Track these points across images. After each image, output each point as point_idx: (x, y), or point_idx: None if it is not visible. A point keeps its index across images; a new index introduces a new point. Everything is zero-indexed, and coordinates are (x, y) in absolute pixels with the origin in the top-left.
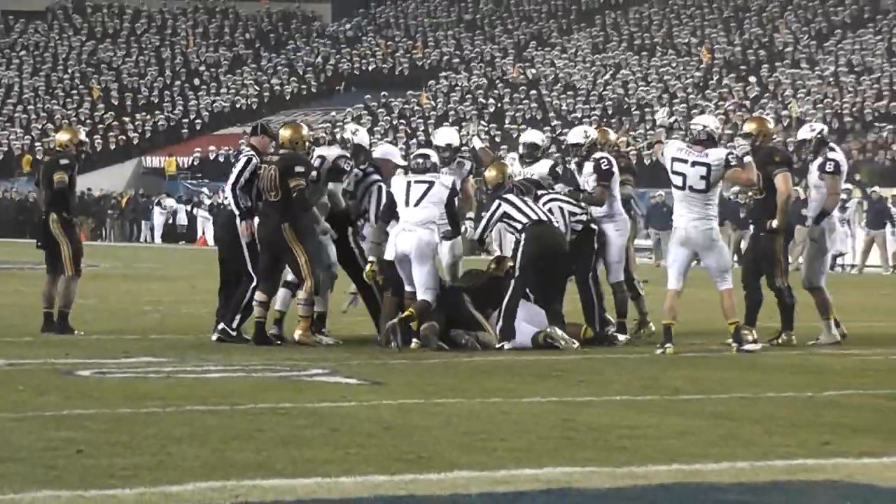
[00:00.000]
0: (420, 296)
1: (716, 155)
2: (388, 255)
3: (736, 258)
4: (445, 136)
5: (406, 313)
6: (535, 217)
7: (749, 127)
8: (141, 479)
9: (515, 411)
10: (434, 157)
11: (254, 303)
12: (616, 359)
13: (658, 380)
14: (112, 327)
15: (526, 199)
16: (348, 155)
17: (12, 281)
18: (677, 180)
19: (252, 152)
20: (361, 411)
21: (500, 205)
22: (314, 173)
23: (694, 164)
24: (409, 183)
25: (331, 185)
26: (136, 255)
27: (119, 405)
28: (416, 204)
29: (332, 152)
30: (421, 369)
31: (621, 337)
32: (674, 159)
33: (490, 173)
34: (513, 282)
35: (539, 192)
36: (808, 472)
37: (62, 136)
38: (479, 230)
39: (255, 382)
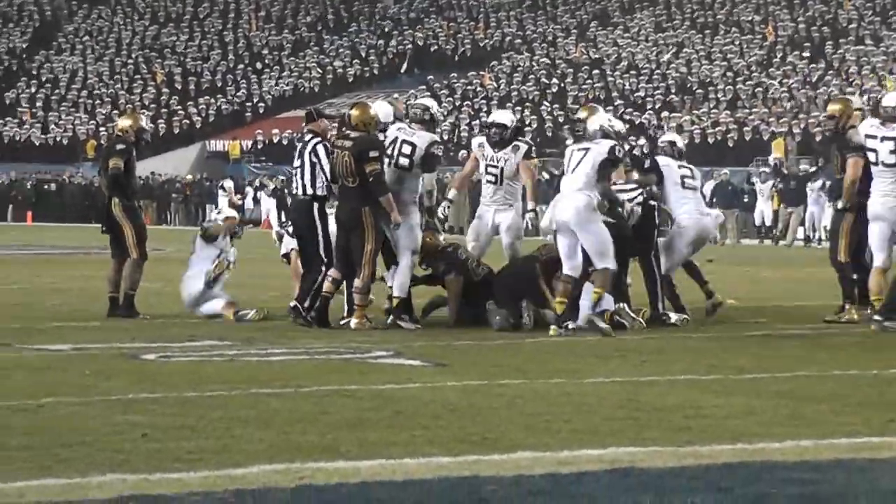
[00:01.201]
0: (597, 264)
1: None
2: (544, 223)
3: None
4: (502, 116)
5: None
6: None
7: (833, 108)
8: (206, 462)
9: (579, 392)
10: (593, 125)
11: (326, 280)
12: (680, 338)
13: (722, 359)
14: (177, 311)
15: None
16: (439, 140)
17: (79, 266)
18: (871, 156)
19: (319, 139)
20: (425, 393)
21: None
22: (406, 161)
23: (884, 139)
24: (571, 150)
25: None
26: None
27: (184, 389)
28: (573, 171)
29: (421, 138)
30: (484, 350)
31: (674, 317)
32: (867, 136)
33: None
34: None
35: None
36: (873, 450)
37: (123, 122)
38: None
39: (318, 365)
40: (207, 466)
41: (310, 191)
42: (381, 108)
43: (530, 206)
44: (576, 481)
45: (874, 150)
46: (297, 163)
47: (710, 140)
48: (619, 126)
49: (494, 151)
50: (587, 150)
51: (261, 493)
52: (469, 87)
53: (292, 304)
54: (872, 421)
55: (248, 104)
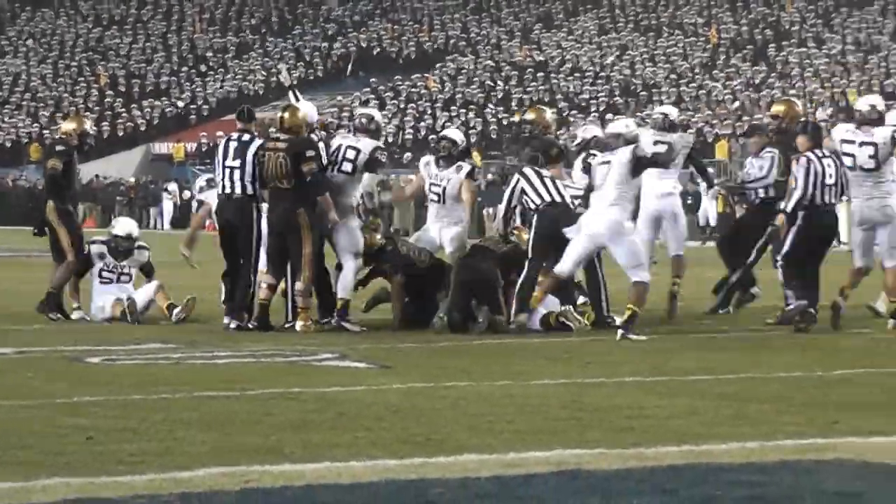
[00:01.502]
0: (633, 277)
1: (881, 133)
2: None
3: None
4: (453, 133)
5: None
6: (548, 198)
7: (777, 109)
8: (150, 464)
9: (523, 394)
10: (612, 132)
11: (260, 286)
12: (625, 341)
13: (667, 361)
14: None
15: (544, 176)
16: (383, 146)
17: (21, 268)
18: (848, 161)
19: (262, 139)
20: (370, 395)
21: (518, 180)
22: (349, 166)
23: (862, 144)
24: (596, 165)
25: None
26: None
27: (128, 391)
28: (601, 185)
29: (366, 144)
30: (429, 353)
31: (619, 319)
32: (842, 141)
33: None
34: (527, 263)
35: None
36: (818, 451)
37: (67, 125)
38: (503, 207)
39: (263, 367)
40: (152, 469)
41: (250, 190)
42: (307, 108)
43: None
44: (523, 483)
45: (851, 155)
46: (232, 162)
47: None
48: (633, 126)
49: (439, 170)
50: (609, 162)
51: (206, 496)
52: (413, 90)
53: (233, 325)
54: (817, 421)
55: (193, 107)
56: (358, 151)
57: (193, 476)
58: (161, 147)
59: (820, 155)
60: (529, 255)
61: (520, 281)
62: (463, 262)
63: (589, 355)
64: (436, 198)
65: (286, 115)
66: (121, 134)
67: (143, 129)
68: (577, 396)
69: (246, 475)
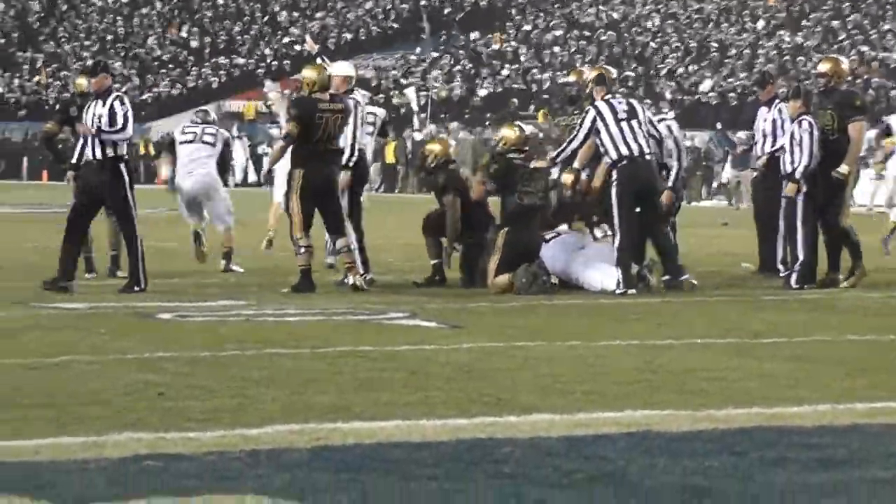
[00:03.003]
0: None
1: None
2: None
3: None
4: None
5: None
6: (626, 152)
7: (824, 67)
8: (220, 421)
9: (594, 354)
10: None
11: (299, 252)
12: (697, 302)
13: (739, 323)
14: (192, 270)
15: (622, 120)
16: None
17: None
18: None
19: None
20: (440, 354)
21: (594, 119)
22: (370, 129)
23: None
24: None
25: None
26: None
27: (199, 348)
28: None
29: (380, 111)
30: (500, 313)
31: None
32: None
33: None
34: (617, 228)
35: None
36: (889, 415)
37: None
38: (569, 147)
39: (334, 325)
40: (222, 426)
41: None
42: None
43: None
44: (592, 444)
45: None
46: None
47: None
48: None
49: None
50: None
51: (276, 453)
52: (484, 48)
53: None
54: (889, 385)
55: (262, 65)
56: (376, 116)
57: (263, 433)
58: (232, 105)
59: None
60: (616, 221)
61: (616, 247)
62: (513, 226)
63: (660, 316)
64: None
65: (324, 76)
66: (191, 91)
67: (214, 87)
68: (648, 358)
69: (316, 433)
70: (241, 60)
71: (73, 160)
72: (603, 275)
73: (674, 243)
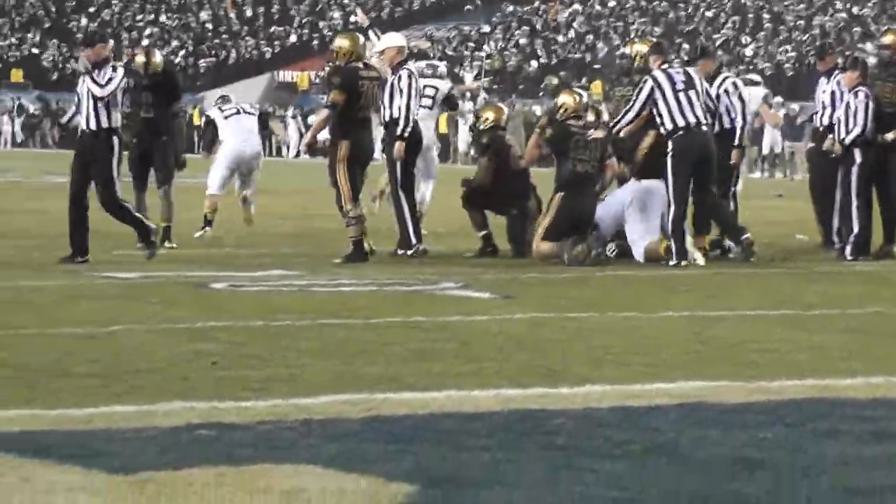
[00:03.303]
0: None
1: None
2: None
3: None
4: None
5: None
6: (682, 123)
7: (888, 39)
8: (273, 391)
9: (647, 326)
10: None
11: (350, 223)
12: (749, 274)
13: (791, 295)
14: (245, 241)
15: (680, 91)
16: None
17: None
18: None
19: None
20: (493, 325)
21: (652, 88)
22: (429, 101)
23: None
24: None
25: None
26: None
27: (252, 318)
28: None
29: (442, 84)
30: (552, 284)
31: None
32: None
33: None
34: (672, 199)
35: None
36: None
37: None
38: (626, 117)
39: (386, 296)
40: (275, 395)
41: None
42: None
43: None
44: (645, 415)
45: None
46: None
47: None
48: None
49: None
50: None
51: (329, 423)
52: (538, 17)
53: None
54: None
55: (315, 35)
56: (436, 90)
57: (316, 403)
58: (285, 75)
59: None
60: (671, 191)
61: (671, 218)
62: (568, 192)
63: (711, 288)
64: None
65: (359, 44)
66: (245, 61)
67: (267, 57)
68: (700, 329)
69: (367, 403)
70: (295, 29)
71: (64, 121)
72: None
73: (730, 210)
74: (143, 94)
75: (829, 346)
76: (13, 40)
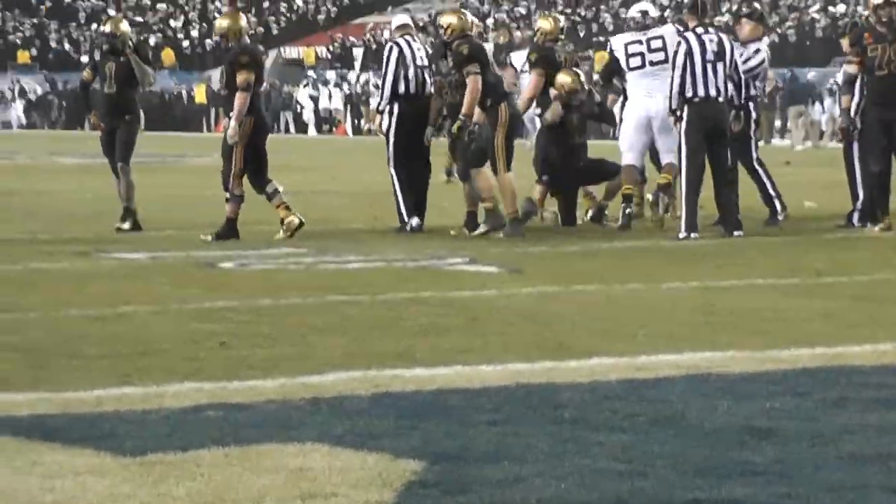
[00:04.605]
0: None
1: None
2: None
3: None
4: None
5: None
6: (702, 93)
7: None
8: (282, 369)
9: (654, 297)
10: None
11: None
12: (759, 242)
13: (800, 262)
14: (252, 218)
15: (710, 62)
16: None
17: (156, 174)
18: None
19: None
20: (500, 299)
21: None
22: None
23: None
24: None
25: None
26: (276, 146)
27: (260, 296)
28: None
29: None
30: (559, 257)
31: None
32: None
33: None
34: (683, 172)
35: None
36: None
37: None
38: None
39: (394, 272)
40: (283, 374)
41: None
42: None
43: None
44: (652, 387)
45: None
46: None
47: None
48: None
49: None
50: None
51: (337, 400)
52: None
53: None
54: None
55: (323, 8)
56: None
57: (324, 380)
58: (291, 51)
59: None
60: (684, 164)
61: (683, 186)
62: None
63: (721, 257)
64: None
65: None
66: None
67: (274, 32)
68: (709, 299)
69: (376, 380)
70: (299, 4)
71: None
72: None
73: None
74: (106, 67)
75: (838, 314)
76: (18, 23)
